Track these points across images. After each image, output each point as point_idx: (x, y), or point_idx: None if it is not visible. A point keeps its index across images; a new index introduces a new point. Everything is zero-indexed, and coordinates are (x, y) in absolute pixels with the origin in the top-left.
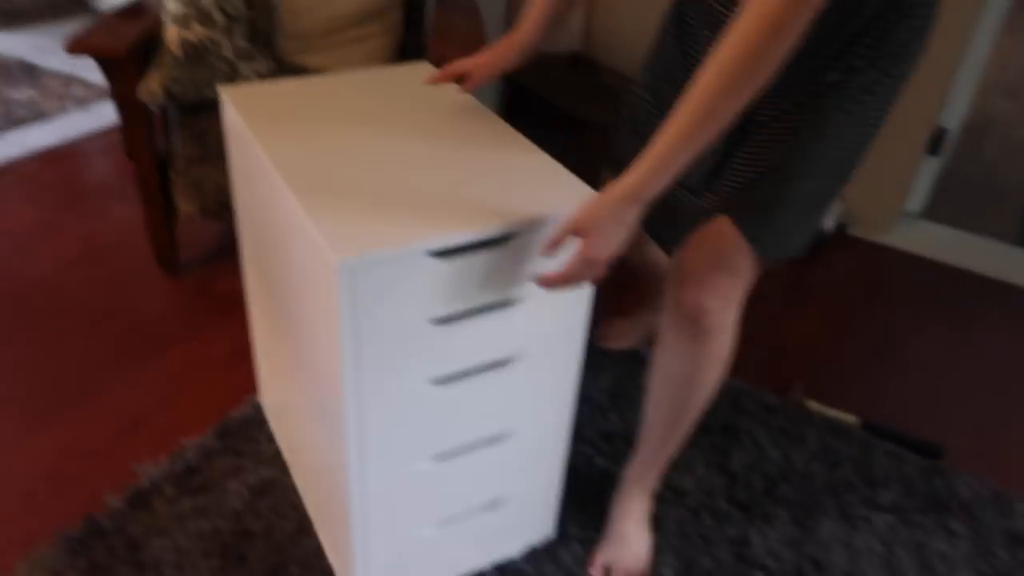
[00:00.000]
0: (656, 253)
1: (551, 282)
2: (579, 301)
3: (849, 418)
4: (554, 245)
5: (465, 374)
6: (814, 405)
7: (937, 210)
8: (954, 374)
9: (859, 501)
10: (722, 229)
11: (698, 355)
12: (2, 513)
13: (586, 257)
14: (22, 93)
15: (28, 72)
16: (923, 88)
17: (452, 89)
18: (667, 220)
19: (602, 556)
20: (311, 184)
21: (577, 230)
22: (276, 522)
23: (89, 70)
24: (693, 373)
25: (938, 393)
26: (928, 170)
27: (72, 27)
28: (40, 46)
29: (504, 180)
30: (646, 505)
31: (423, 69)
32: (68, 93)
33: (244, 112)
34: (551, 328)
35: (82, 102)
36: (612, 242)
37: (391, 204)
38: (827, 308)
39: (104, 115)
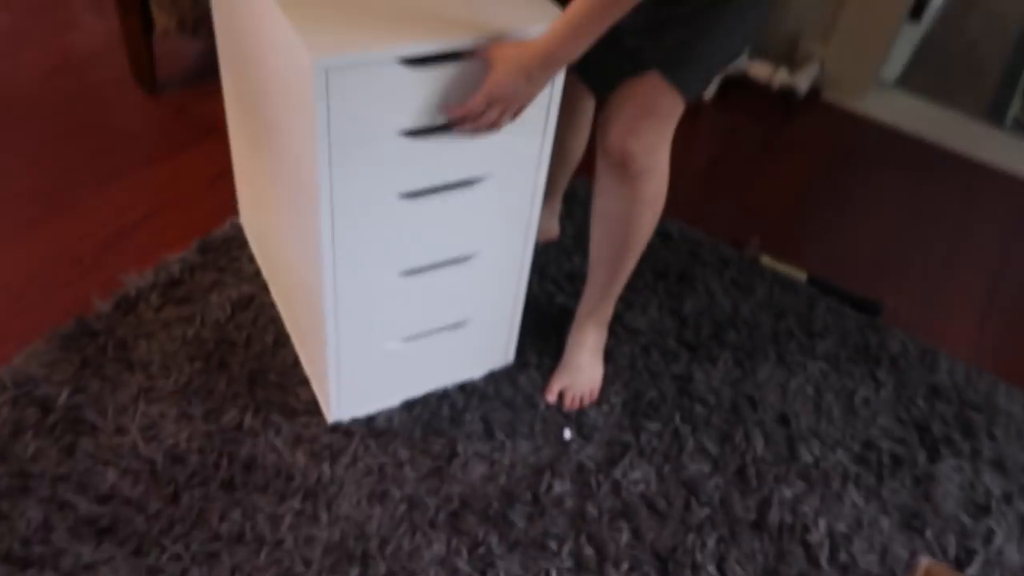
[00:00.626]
0: (570, 142)
1: (455, 114)
2: (543, 127)
3: (799, 273)
4: (471, 55)
5: (433, 190)
6: (767, 260)
7: (913, 79)
8: (903, 239)
9: (797, 349)
10: (648, 78)
11: (630, 196)
12: None
13: (487, 92)
14: None
15: None
16: None
17: None
18: (599, 70)
19: (557, 382)
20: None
21: (489, 57)
22: (255, 334)
23: None
24: (628, 213)
25: (886, 255)
26: (909, 37)
27: None
28: None
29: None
30: (599, 337)
31: None
32: None
33: None
34: (515, 151)
35: None
36: (513, 88)
37: (368, 14)
38: (792, 169)
39: None
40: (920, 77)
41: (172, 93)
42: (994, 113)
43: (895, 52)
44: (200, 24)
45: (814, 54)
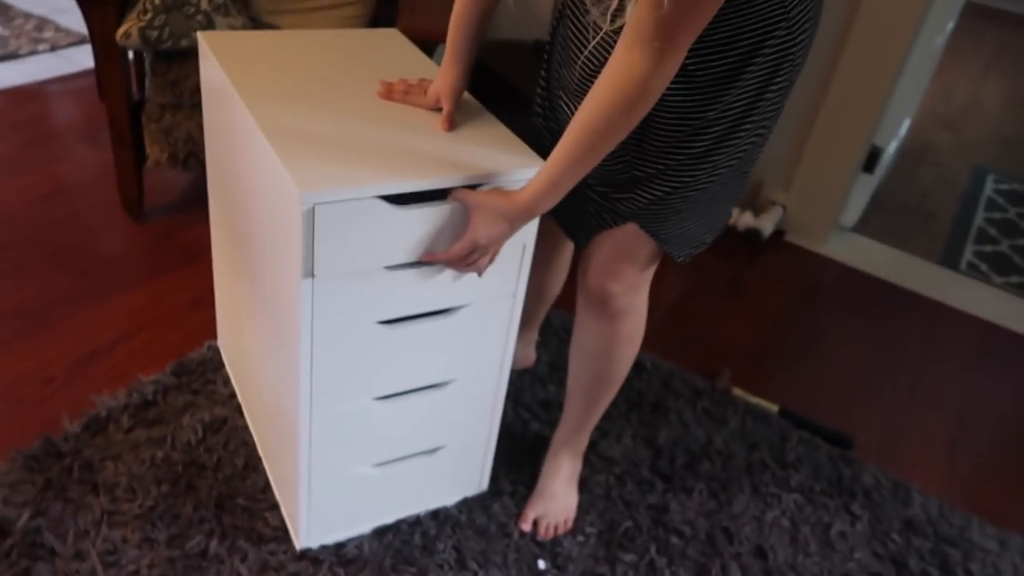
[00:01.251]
0: (548, 281)
1: (437, 259)
2: (519, 262)
3: (770, 406)
4: (456, 197)
5: (411, 318)
6: (738, 391)
7: (870, 226)
8: (870, 374)
9: (772, 481)
10: (627, 228)
11: (609, 334)
12: None
13: (470, 239)
14: None
15: (0, 11)
16: (859, 108)
17: (420, 55)
18: (577, 219)
19: (531, 510)
20: (281, 127)
21: (472, 204)
22: (226, 457)
23: (62, 14)
24: (606, 349)
25: (854, 390)
26: (863, 187)
27: None
28: None
29: (460, 141)
30: (574, 466)
31: (393, 35)
32: (40, 35)
33: (221, 57)
34: (492, 285)
35: (54, 45)
36: (496, 236)
37: (353, 152)
38: (759, 305)
39: (75, 60)
40: (877, 223)
41: (158, 221)
42: (948, 258)
43: (852, 200)
44: (190, 157)
45: (776, 200)
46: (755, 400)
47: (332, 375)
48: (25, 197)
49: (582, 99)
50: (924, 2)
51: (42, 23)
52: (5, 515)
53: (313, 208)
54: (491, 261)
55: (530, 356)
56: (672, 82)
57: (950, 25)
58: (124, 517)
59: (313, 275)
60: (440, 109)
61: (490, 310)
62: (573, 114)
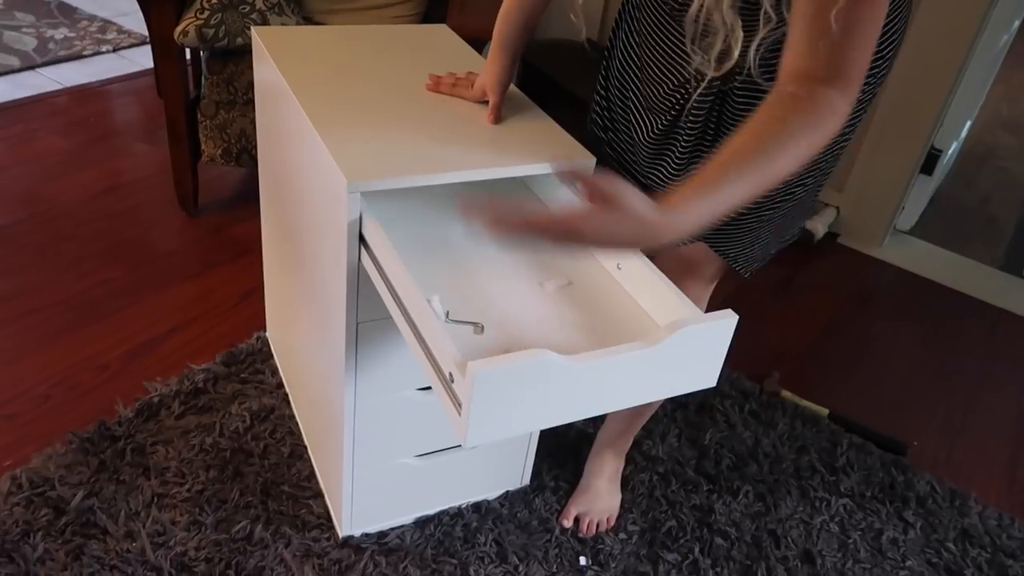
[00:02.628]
0: None
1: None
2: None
3: (820, 410)
4: (570, 174)
5: None
6: (787, 394)
7: (928, 230)
8: (926, 380)
9: (821, 485)
10: (695, 247)
11: None
12: (21, 411)
13: (576, 230)
14: (59, 32)
15: (66, 12)
16: (919, 107)
17: (468, 50)
18: None
19: (573, 507)
20: (331, 119)
21: (611, 195)
22: (273, 445)
23: (125, 17)
24: None
25: (908, 395)
26: (921, 190)
27: None
28: None
29: (506, 133)
30: (618, 464)
31: (443, 31)
32: (103, 37)
33: (273, 51)
34: None
35: (116, 46)
36: (610, 244)
37: (400, 143)
38: (811, 308)
39: (136, 61)
40: (935, 227)
41: (211, 216)
42: (1010, 263)
43: (909, 203)
44: (243, 153)
45: (829, 201)
46: (804, 403)
47: (375, 365)
48: (86, 192)
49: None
50: None
51: (105, 25)
52: (61, 494)
53: (359, 194)
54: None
55: None
56: (752, 97)
57: (1016, 23)
58: (173, 500)
59: (360, 263)
60: (486, 102)
61: None
62: (653, 129)
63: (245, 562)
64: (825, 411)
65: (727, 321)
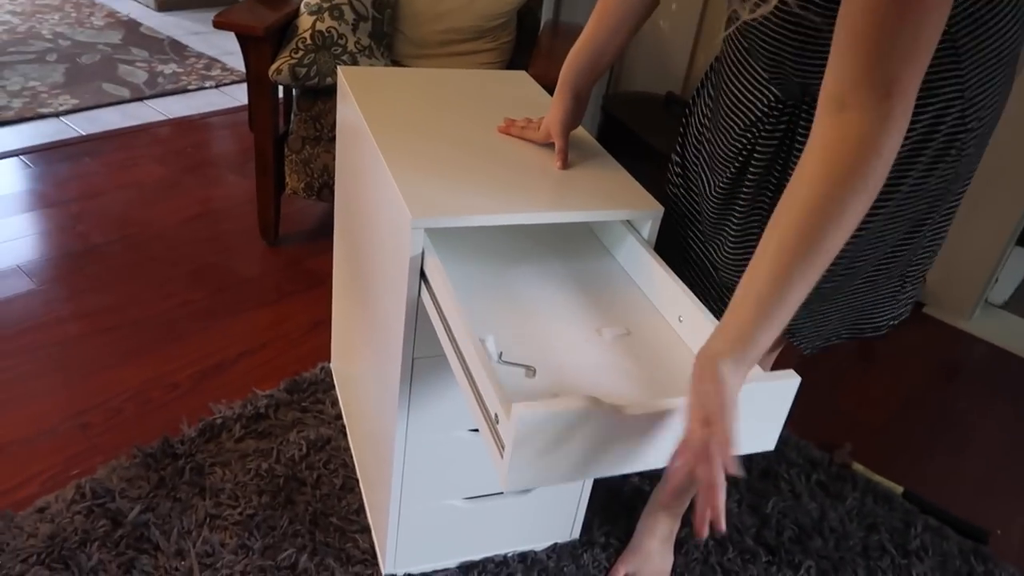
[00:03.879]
0: None
1: (672, 471)
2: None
3: (895, 487)
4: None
5: None
6: (859, 468)
7: (1022, 304)
8: (1013, 464)
9: (891, 567)
10: None
11: None
12: (94, 422)
13: (686, 422)
14: (168, 67)
15: (177, 50)
16: (1015, 174)
17: (545, 95)
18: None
19: (623, 566)
20: (403, 156)
21: (704, 418)
22: (326, 476)
23: (229, 56)
24: None
25: (994, 480)
26: (1017, 262)
27: None
28: (191, 29)
29: (573, 179)
30: (672, 526)
31: (522, 77)
32: (208, 73)
33: (355, 89)
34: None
35: (219, 83)
36: (703, 393)
37: (468, 184)
38: (890, 380)
39: (235, 97)
40: None
41: (289, 247)
42: None
43: (1003, 275)
44: (324, 188)
45: None
46: (877, 479)
47: (429, 402)
48: (177, 217)
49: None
50: None
51: (211, 63)
52: (120, 507)
53: (423, 234)
54: (730, 438)
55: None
56: None
57: None
58: (225, 522)
59: (419, 306)
60: (552, 144)
61: None
62: (718, 185)
63: None
64: (900, 489)
65: (789, 382)
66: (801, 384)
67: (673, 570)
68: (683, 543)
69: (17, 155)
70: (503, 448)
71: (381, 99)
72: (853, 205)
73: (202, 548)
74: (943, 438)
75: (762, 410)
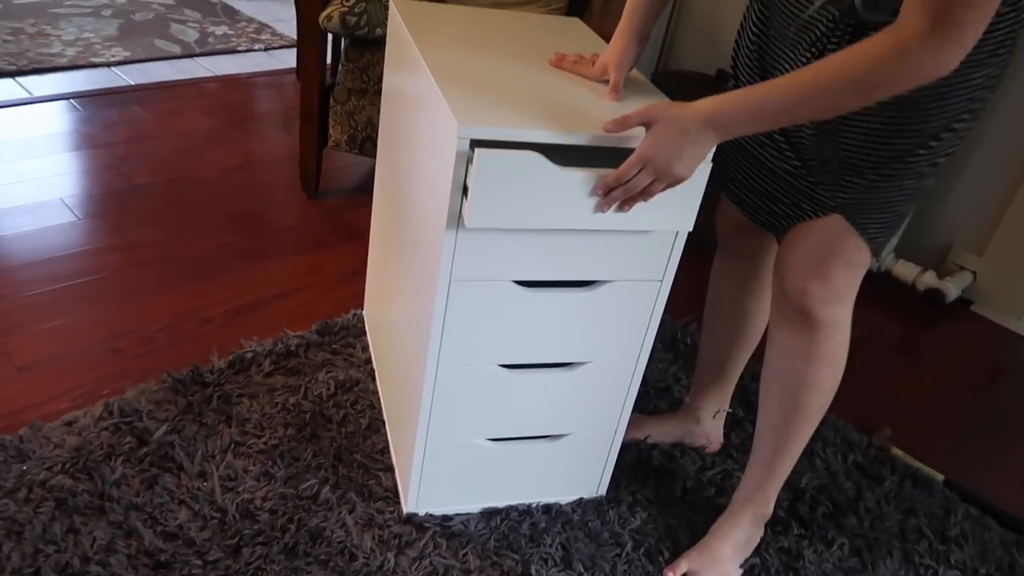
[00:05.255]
0: (747, 306)
1: (606, 180)
2: (670, 246)
3: (935, 474)
4: (620, 123)
5: (551, 286)
6: (899, 452)
7: None
8: None
9: (928, 552)
10: (830, 221)
11: (807, 350)
12: (127, 347)
13: (641, 152)
14: (219, 29)
15: (228, 13)
16: None
17: (598, 40)
18: (771, 210)
19: (686, 561)
20: (452, 76)
21: (646, 118)
22: (352, 415)
23: (279, 22)
24: (804, 372)
25: None
26: None
27: None
28: None
29: (624, 108)
30: (752, 533)
31: (576, 23)
32: (258, 37)
33: (407, 19)
34: (638, 263)
35: (268, 46)
36: (669, 149)
37: (517, 104)
38: (933, 372)
39: (283, 60)
40: None
41: (329, 200)
42: None
43: None
44: (367, 141)
45: (965, 265)
46: (917, 465)
47: (463, 332)
48: (220, 166)
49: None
50: None
51: (261, 27)
52: (146, 426)
53: (470, 149)
54: (668, 187)
55: (714, 433)
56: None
57: None
58: (249, 450)
59: (459, 224)
60: (606, 81)
61: (633, 291)
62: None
63: (307, 520)
64: (941, 477)
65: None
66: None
67: (694, 525)
68: (713, 508)
69: (67, 99)
70: None
71: (431, 29)
72: (862, 90)
73: (225, 472)
74: (987, 432)
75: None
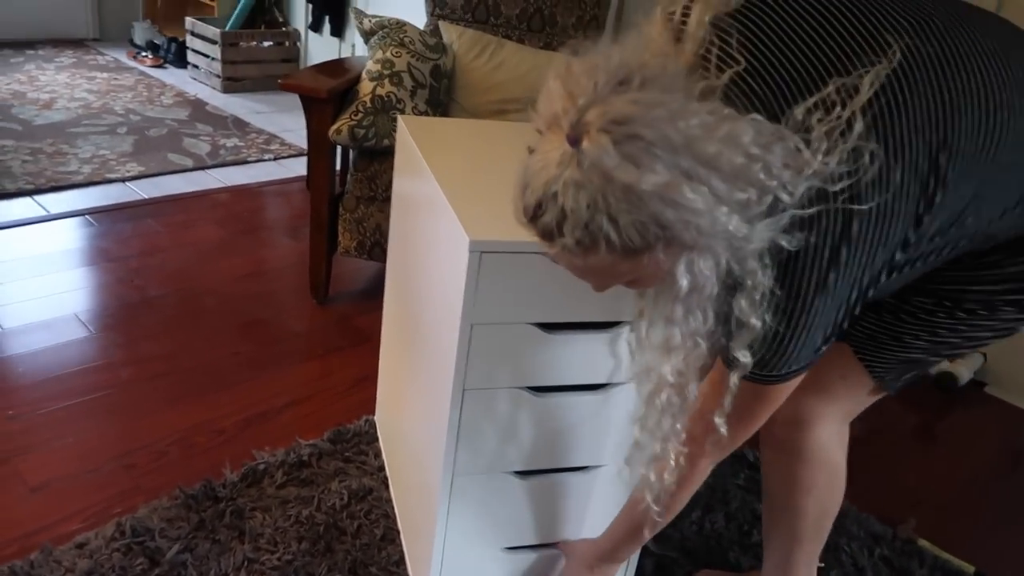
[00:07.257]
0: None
1: None
2: None
3: (965, 566)
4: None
5: (562, 390)
6: (926, 544)
7: None
8: None
9: None
10: (832, 352)
11: (791, 474)
12: (139, 463)
13: None
14: (230, 141)
15: (239, 126)
16: None
17: None
18: None
19: None
20: (460, 189)
21: (564, 551)
22: (367, 526)
23: (288, 133)
24: (790, 493)
25: None
26: None
27: (285, 97)
28: (254, 109)
29: None
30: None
31: None
32: (267, 147)
33: (415, 134)
34: None
35: (277, 156)
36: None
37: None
38: (953, 459)
39: (292, 169)
40: None
41: (339, 305)
42: None
43: None
44: (376, 247)
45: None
46: (946, 556)
47: (477, 439)
48: (231, 275)
49: None
50: None
51: (271, 138)
52: (159, 546)
53: (480, 256)
54: None
55: None
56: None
57: None
58: (262, 567)
59: (471, 330)
60: None
61: None
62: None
63: None
64: (971, 568)
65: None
66: (860, 458)
67: None
68: None
69: (83, 215)
70: None
71: (438, 142)
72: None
73: None
74: (1014, 519)
75: None
